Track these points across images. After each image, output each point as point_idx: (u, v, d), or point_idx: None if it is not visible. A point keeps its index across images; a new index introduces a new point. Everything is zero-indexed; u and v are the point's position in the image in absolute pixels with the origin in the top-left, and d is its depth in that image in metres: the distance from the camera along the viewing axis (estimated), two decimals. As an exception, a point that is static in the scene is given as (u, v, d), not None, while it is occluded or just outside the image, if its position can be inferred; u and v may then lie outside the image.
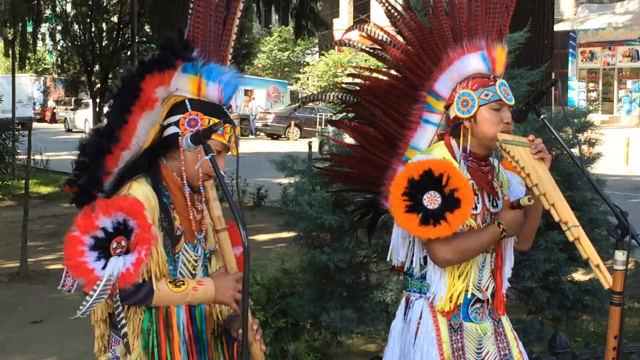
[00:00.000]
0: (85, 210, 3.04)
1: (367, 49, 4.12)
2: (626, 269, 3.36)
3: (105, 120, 3.23)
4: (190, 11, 3.29)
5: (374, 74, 4.11)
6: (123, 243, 2.97)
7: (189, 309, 3.20)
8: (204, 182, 3.22)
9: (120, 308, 3.04)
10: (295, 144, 32.60)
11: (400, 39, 3.94)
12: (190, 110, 3.22)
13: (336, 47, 48.50)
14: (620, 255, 3.32)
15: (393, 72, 3.97)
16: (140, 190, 3.11)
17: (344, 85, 4.17)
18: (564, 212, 3.41)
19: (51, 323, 8.68)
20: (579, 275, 6.86)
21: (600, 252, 6.05)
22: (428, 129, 3.80)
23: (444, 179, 3.46)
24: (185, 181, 3.22)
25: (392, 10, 3.91)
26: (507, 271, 3.77)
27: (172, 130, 3.23)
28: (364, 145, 4.00)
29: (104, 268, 2.94)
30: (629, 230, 3.35)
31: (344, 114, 4.44)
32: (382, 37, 3.95)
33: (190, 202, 3.25)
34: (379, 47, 3.99)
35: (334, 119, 4.60)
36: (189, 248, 3.24)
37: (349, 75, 4.37)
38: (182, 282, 3.11)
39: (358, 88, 4.04)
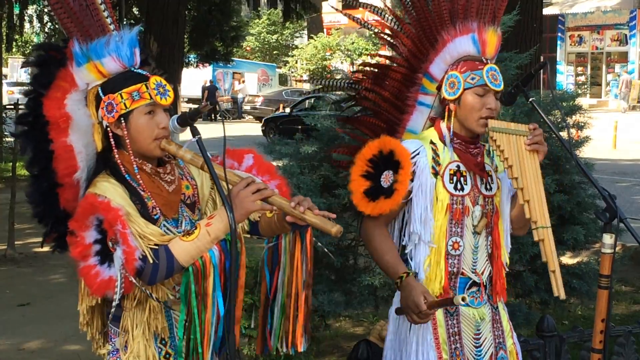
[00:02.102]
0: (70, 242, 2.97)
1: (375, 32, 4.16)
2: (614, 252, 3.36)
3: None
4: (46, 5, 3.21)
5: (379, 60, 4.15)
6: (112, 237, 2.90)
7: (220, 247, 3.02)
8: (162, 145, 3.12)
9: (149, 290, 3.01)
10: (283, 127, 32.51)
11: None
12: (102, 97, 3.12)
13: (325, 30, 48.45)
14: (608, 239, 3.32)
15: (396, 56, 3.99)
16: (101, 184, 3.04)
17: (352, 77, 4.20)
18: (536, 210, 3.42)
19: (38, 306, 8.67)
20: (566, 259, 6.88)
21: (588, 236, 6.12)
22: (423, 111, 3.82)
23: (399, 166, 3.57)
24: (148, 156, 3.15)
25: None
26: (504, 256, 3.76)
27: (104, 124, 3.14)
28: (370, 135, 4.01)
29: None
30: (617, 213, 3.35)
31: (350, 109, 4.48)
32: (391, 21, 3.99)
33: (157, 176, 3.18)
34: (389, 33, 4.01)
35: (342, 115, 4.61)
36: (170, 225, 3.15)
37: (360, 64, 4.38)
38: (194, 228, 3.00)
39: (365, 77, 4.05)
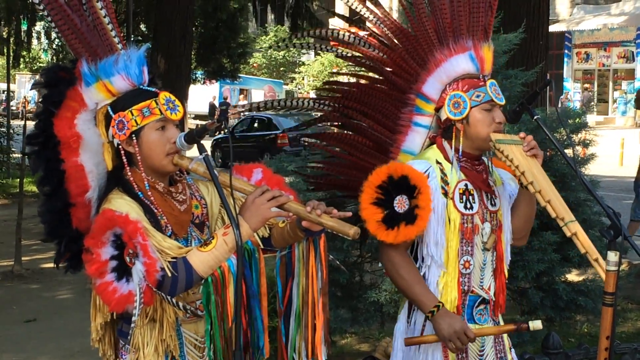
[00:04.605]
0: (85, 259, 2.95)
1: (346, 55, 4.13)
2: (618, 270, 3.37)
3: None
4: (54, 26, 3.19)
5: (355, 79, 4.14)
6: (131, 251, 2.89)
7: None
8: (174, 160, 3.13)
9: (170, 298, 2.96)
10: (290, 144, 32.53)
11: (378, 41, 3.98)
12: (112, 115, 3.13)
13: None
14: (612, 256, 3.32)
15: (375, 75, 3.99)
16: (116, 201, 3.03)
17: (315, 94, 4.20)
18: (560, 208, 3.42)
19: (44, 322, 8.67)
20: (572, 276, 6.87)
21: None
22: (419, 131, 3.80)
23: (416, 191, 3.52)
24: (154, 178, 3.16)
25: (372, 15, 3.94)
26: (505, 269, 3.77)
27: (116, 142, 3.15)
28: (352, 152, 3.99)
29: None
30: (622, 231, 3.36)
31: (321, 124, 4.37)
32: (359, 41, 3.98)
33: (169, 195, 3.18)
34: (360, 54, 4.03)
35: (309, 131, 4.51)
36: (180, 244, 3.09)
37: (325, 83, 4.36)
38: (211, 238, 2.99)
39: (338, 95, 4.05)
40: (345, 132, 4.05)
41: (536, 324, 3.42)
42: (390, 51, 3.88)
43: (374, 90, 3.93)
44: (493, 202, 3.68)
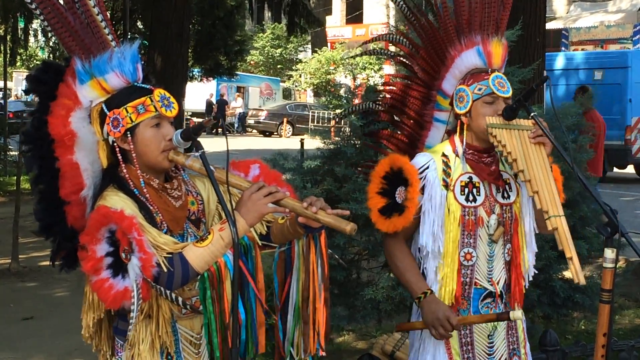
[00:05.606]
0: (81, 256, 2.95)
1: (384, 53, 4.32)
2: (615, 267, 3.37)
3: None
4: (47, 25, 3.16)
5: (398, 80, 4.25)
6: (126, 247, 2.89)
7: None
8: (170, 156, 3.13)
9: (169, 293, 2.96)
10: (287, 141, 32.57)
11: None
12: (107, 112, 3.13)
13: (329, 44, 48.51)
14: (609, 253, 3.32)
15: (410, 75, 4.08)
16: (111, 198, 3.03)
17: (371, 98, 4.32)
18: (547, 200, 3.43)
19: (42, 320, 8.68)
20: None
21: (591, 250, 6.12)
22: (439, 127, 3.90)
23: (408, 183, 3.62)
24: (150, 174, 3.16)
25: (407, 11, 4.00)
26: (530, 259, 3.79)
27: (110, 139, 3.15)
28: (392, 149, 4.10)
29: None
30: (619, 228, 3.36)
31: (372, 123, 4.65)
32: (404, 42, 4.11)
33: (164, 192, 3.18)
34: (400, 55, 4.17)
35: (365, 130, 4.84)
36: (176, 240, 3.10)
37: (383, 84, 4.56)
38: (207, 234, 2.99)
39: (388, 96, 4.20)
40: (391, 130, 4.19)
41: (516, 314, 3.47)
42: (420, 48, 3.96)
43: (408, 89, 4.01)
44: (506, 195, 3.70)
